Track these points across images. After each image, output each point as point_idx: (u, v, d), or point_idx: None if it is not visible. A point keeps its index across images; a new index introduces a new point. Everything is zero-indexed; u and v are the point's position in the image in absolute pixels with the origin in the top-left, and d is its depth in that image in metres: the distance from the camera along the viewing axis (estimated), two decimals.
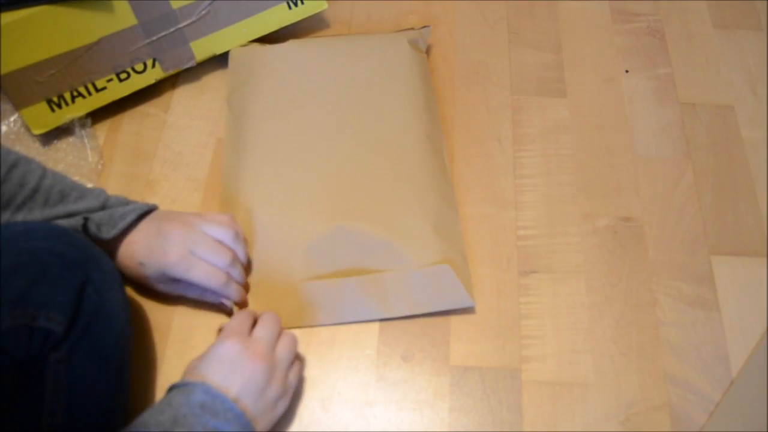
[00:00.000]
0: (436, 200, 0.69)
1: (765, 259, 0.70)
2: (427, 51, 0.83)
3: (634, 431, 0.60)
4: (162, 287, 0.63)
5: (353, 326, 0.64)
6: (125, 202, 0.61)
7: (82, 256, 0.52)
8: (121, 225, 0.59)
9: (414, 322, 0.65)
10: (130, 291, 0.66)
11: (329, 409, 0.61)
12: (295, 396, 0.61)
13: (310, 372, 0.63)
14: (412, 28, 0.82)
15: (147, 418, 0.48)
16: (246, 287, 0.65)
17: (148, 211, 0.61)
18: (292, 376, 0.58)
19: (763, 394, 0.63)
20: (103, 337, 0.52)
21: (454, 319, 0.65)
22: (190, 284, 0.61)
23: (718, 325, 0.66)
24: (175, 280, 0.61)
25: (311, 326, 0.64)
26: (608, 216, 0.72)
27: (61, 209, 0.57)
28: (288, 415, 0.60)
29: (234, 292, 0.62)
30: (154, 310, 0.65)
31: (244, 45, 0.80)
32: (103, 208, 0.59)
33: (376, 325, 0.65)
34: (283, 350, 0.57)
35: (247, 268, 0.66)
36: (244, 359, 0.53)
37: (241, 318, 0.58)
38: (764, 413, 0.62)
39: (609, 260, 0.69)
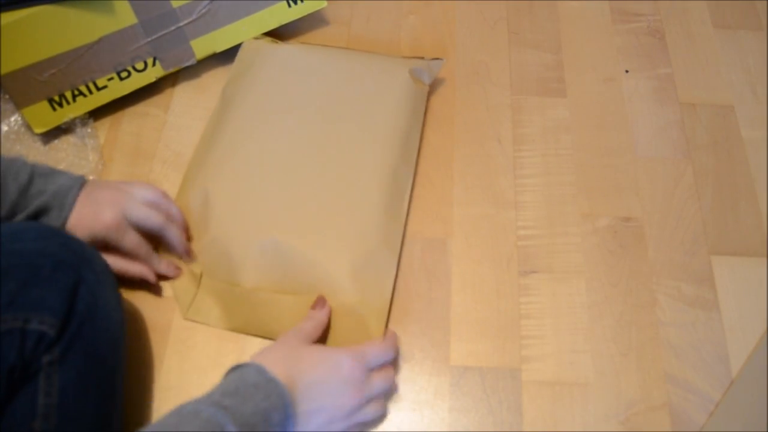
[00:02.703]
0: (374, 241, 0.65)
1: (765, 259, 0.70)
2: (433, 84, 0.81)
3: (634, 431, 0.60)
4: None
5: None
6: (50, 173, 0.58)
7: (74, 256, 0.52)
8: (70, 202, 0.57)
9: (414, 322, 0.65)
10: (130, 291, 0.66)
11: None
12: None
13: None
14: (422, 58, 0.80)
15: (201, 396, 0.48)
16: (188, 250, 0.65)
17: (83, 183, 0.60)
18: (370, 410, 0.56)
19: (763, 394, 0.63)
20: (97, 339, 0.52)
21: (454, 319, 0.65)
22: (115, 257, 0.60)
23: (718, 325, 0.66)
24: (102, 250, 0.59)
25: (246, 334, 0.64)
26: (608, 216, 0.72)
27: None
28: None
29: (174, 233, 0.63)
30: (153, 310, 0.65)
31: (257, 38, 0.80)
32: (29, 183, 0.57)
33: None
34: (379, 377, 0.56)
35: (186, 231, 0.67)
36: (347, 388, 0.53)
37: (374, 351, 0.57)
38: (764, 413, 0.61)
39: (609, 260, 0.69)
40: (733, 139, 0.78)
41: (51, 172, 0.59)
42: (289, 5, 0.81)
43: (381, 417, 0.59)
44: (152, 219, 0.62)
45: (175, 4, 0.73)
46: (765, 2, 0.90)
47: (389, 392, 0.60)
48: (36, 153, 0.74)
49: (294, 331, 0.57)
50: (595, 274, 0.68)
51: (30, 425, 0.47)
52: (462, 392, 0.62)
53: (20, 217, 0.56)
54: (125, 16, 0.71)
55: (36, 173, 0.57)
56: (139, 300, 0.65)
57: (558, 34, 0.86)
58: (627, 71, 0.83)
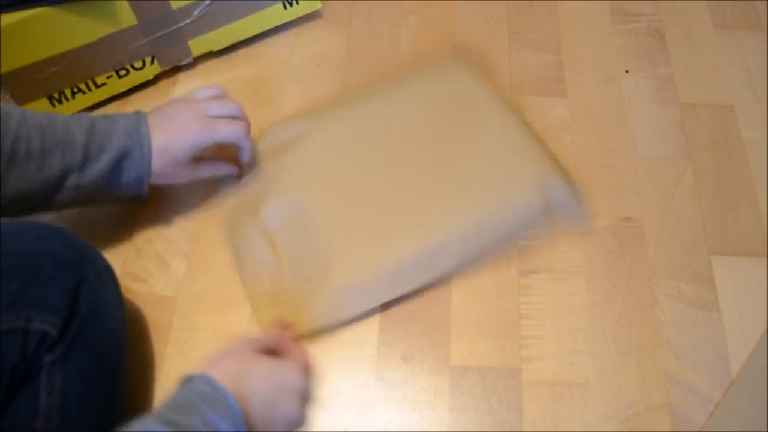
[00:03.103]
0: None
1: (765, 259, 0.70)
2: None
3: (634, 431, 0.60)
4: (181, 174, 0.63)
5: (353, 326, 0.64)
6: (110, 117, 0.60)
7: (77, 256, 0.52)
8: (145, 136, 0.59)
9: (414, 322, 0.65)
10: (130, 292, 0.66)
11: (329, 409, 0.61)
12: None
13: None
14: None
15: (150, 413, 0.47)
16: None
17: (143, 117, 0.61)
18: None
19: (763, 394, 0.63)
20: (99, 338, 0.52)
21: (454, 319, 0.65)
22: (203, 164, 0.64)
23: (718, 325, 0.66)
24: (194, 165, 0.63)
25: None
26: (608, 216, 0.72)
27: (58, 131, 0.56)
28: None
29: (249, 143, 0.65)
30: (154, 310, 0.65)
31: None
32: (93, 123, 0.57)
33: (376, 325, 0.65)
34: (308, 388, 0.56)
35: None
36: (292, 396, 0.53)
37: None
38: (764, 413, 0.62)
39: (609, 260, 0.69)
40: (733, 139, 0.78)
41: (111, 116, 0.60)
42: (285, 7, 0.82)
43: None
44: (229, 107, 0.64)
45: (174, 6, 0.73)
46: (765, 2, 0.90)
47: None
48: None
49: (247, 341, 0.55)
50: (595, 274, 0.68)
51: (32, 425, 0.47)
52: (462, 392, 0.62)
53: (100, 164, 0.57)
54: (125, 18, 0.71)
55: (96, 118, 0.59)
56: (139, 300, 0.65)
57: (558, 34, 0.86)
58: (627, 71, 0.83)
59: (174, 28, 0.75)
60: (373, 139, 0.72)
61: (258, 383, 0.51)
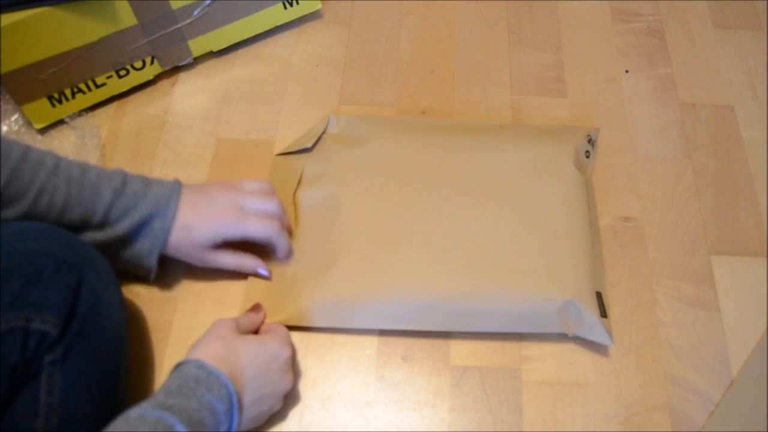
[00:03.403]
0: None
1: (765, 259, 0.70)
2: (434, 84, 0.80)
3: (634, 431, 0.60)
4: (201, 257, 0.61)
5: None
6: (146, 182, 0.59)
7: (77, 256, 0.52)
8: (171, 212, 0.58)
9: None
10: (130, 292, 0.66)
11: (329, 409, 0.61)
12: (294, 396, 0.61)
13: (310, 372, 0.63)
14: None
15: (145, 401, 0.48)
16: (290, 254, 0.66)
17: (181, 186, 0.60)
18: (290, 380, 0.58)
19: (763, 394, 0.63)
20: (99, 338, 0.52)
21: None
22: (229, 253, 0.62)
23: (718, 325, 0.66)
24: (216, 248, 0.61)
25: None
26: (608, 216, 0.72)
27: (87, 188, 0.56)
28: (288, 415, 0.60)
29: (286, 242, 0.63)
30: (154, 310, 0.65)
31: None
32: (124, 184, 0.57)
33: None
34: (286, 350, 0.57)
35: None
36: (273, 355, 0.54)
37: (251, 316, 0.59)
38: (764, 413, 0.62)
39: (609, 260, 0.69)
40: (733, 139, 0.78)
41: (146, 179, 0.59)
42: (285, 7, 0.82)
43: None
44: (268, 206, 0.62)
45: (174, 6, 0.73)
46: (765, 2, 0.90)
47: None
48: None
49: (229, 322, 0.56)
50: None
51: (32, 424, 0.47)
52: (462, 392, 0.62)
53: (118, 228, 0.57)
54: (125, 18, 0.71)
55: (130, 178, 0.58)
56: (140, 300, 0.65)
57: (558, 34, 0.86)
58: (627, 71, 0.83)
59: (174, 28, 0.75)
60: (438, 173, 0.70)
61: (246, 360, 0.53)
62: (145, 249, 0.59)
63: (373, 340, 0.64)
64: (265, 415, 0.56)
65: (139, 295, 0.66)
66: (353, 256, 0.65)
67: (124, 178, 0.58)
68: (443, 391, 0.62)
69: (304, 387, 0.62)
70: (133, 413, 0.46)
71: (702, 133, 0.78)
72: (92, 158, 0.74)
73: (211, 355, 0.51)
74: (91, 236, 0.57)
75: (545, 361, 0.63)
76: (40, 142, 0.75)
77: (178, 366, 0.51)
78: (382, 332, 0.64)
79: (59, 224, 0.54)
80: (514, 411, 0.61)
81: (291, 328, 0.62)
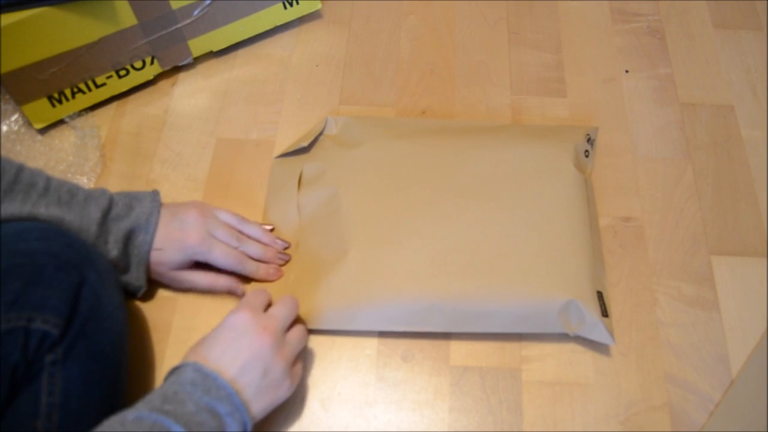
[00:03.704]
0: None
1: (765, 259, 0.70)
2: (434, 84, 0.81)
3: (634, 431, 0.60)
4: (173, 277, 0.62)
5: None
6: (129, 201, 0.61)
7: (78, 256, 0.52)
8: (152, 227, 0.60)
9: None
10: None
11: (329, 409, 0.61)
12: (294, 396, 0.61)
13: (310, 372, 0.63)
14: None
15: (140, 402, 0.48)
16: (273, 267, 0.66)
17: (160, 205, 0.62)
18: (299, 364, 0.57)
19: (763, 394, 0.63)
20: (100, 338, 0.52)
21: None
22: (202, 274, 0.63)
23: (718, 325, 0.66)
24: (188, 269, 0.62)
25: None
26: (608, 216, 0.72)
27: (76, 210, 0.57)
28: (288, 415, 0.60)
29: (251, 266, 0.64)
30: (154, 310, 0.65)
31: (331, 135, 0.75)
32: (110, 206, 0.59)
33: None
34: (294, 334, 0.57)
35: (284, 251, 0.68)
36: (252, 332, 0.53)
37: (257, 293, 0.58)
38: (764, 413, 0.62)
39: (609, 260, 0.69)
40: (733, 139, 0.78)
41: (130, 202, 0.61)
42: (285, 7, 0.82)
43: (300, 375, 0.59)
44: (229, 258, 0.63)
45: (174, 6, 0.73)
46: (765, 2, 0.90)
47: (304, 347, 0.60)
48: (36, 153, 0.74)
49: (242, 315, 0.55)
50: None
51: (33, 424, 0.47)
52: (462, 392, 0.62)
53: (110, 242, 0.58)
54: (125, 18, 0.71)
55: (115, 198, 0.60)
56: (139, 300, 0.65)
57: (558, 34, 0.86)
58: (627, 71, 0.83)
59: (174, 28, 0.75)
60: (438, 175, 0.69)
61: (240, 360, 0.52)
62: (133, 263, 0.60)
63: (373, 341, 0.64)
64: (272, 405, 0.54)
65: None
66: (354, 258, 0.65)
67: (111, 200, 0.59)
68: (443, 391, 0.62)
69: (304, 387, 0.62)
70: (130, 415, 0.46)
71: (702, 133, 0.78)
72: (92, 158, 0.74)
73: (207, 356, 0.51)
74: None
75: (545, 361, 0.63)
76: (40, 142, 0.75)
77: (175, 370, 0.51)
78: (382, 332, 0.64)
79: None
80: (514, 411, 0.61)
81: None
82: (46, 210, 0.55)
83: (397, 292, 0.63)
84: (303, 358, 0.61)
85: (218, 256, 0.62)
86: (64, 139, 0.75)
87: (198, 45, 0.79)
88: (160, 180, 0.73)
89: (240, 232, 0.65)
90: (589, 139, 0.74)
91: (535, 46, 0.85)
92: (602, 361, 0.64)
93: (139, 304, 0.65)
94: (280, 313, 0.57)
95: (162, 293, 0.66)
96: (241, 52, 0.84)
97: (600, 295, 0.64)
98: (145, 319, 0.65)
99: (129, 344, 0.58)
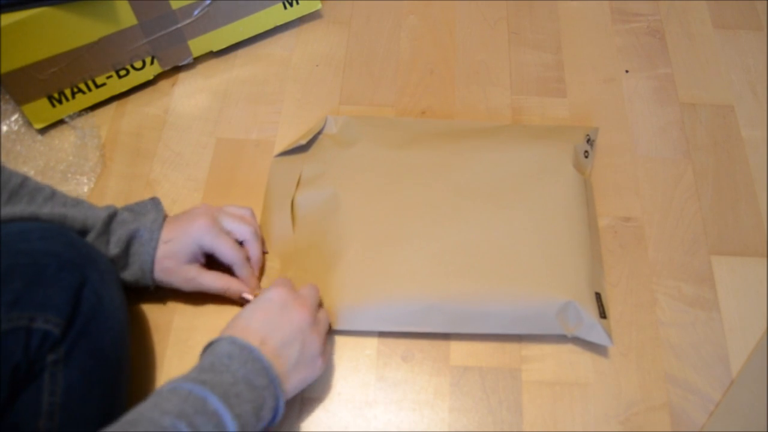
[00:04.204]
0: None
1: (765, 259, 0.70)
2: (435, 85, 0.81)
3: (634, 431, 0.60)
4: (184, 274, 0.61)
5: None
6: (134, 209, 0.61)
7: (79, 256, 0.52)
8: (158, 228, 0.60)
9: None
10: (129, 292, 0.66)
11: (329, 409, 0.61)
12: (294, 396, 0.61)
13: None
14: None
15: (178, 376, 0.48)
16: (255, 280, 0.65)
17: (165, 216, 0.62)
18: (329, 348, 0.58)
19: (763, 394, 0.63)
20: (101, 338, 0.52)
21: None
22: (215, 275, 0.62)
23: (718, 325, 0.66)
24: (199, 267, 0.61)
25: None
26: (608, 216, 0.72)
27: (80, 210, 0.58)
28: (288, 414, 0.60)
29: (247, 271, 0.63)
30: (154, 310, 0.65)
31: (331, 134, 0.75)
32: (115, 213, 0.60)
33: None
34: (323, 314, 0.59)
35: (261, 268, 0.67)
36: (291, 306, 0.54)
37: (285, 279, 0.59)
38: (764, 413, 0.62)
39: (609, 260, 0.69)
40: (733, 139, 0.78)
41: (134, 209, 0.61)
42: (285, 7, 0.82)
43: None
44: (242, 229, 0.63)
45: (174, 6, 0.73)
46: (765, 2, 0.90)
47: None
48: (36, 153, 0.74)
49: (279, 292, 0.56)
50: None
51: (34, 424, 0.47)
52: (462, 392, 0.62)
53: (112, 241, 0.58)
54: (125, 18, 0.71)
55: (118, 209, 0.61)
56: (140, 300, 0.65)
57: (558, 34, 0.86)
58: (627, 71, 0.83)
59: (174, 28, 0.75)
60: (437, 175, 0.69)
61: (280, 333, 0.53)
62: (135, 262, 0.60)
63: (373, 341, 0.64)
64: (305, 381, 0.55)
65: (140, 295, 0.66)
66: (353, 258, 0.65)
67: (113, 208, 0.60)
68: (443, 391, 0.62)
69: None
70: (167, 386, 0.47)
71: (702, 133, 0.78)
72: (92, 158, 0.74)
73: (244, 330, 0.52)
74: None
75: (545, 361, 0.63)
76: (40, 142, 0.75)
77: (210, 345, 0.52)
78: (382, 332, 0.64)
79: None
80: (514, 411, 0.61)
81: None
82: (50, 210, 0.56)
83: (396, 293, 0.63)
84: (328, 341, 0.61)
85: (225, 246, 0.61)
86: (64, 139, 0.75)
87: (198, 45, 0.79)
88: (160, 180, 0.73)
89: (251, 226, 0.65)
90: (588, 140, 0.74)
91: (535, 46, 0.85)
92: (602, 361, 0.64)
93: (139, 304, 0.65)
94: (311, 292, 0.58)
95: (162, 293, 0.66)
96: (241, 52, 0.84)
97: (598, 297, 0.64)
98: (145, 319, 0.65)
99: (130, 344, 0.58)
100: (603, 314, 0.63)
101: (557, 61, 0.84)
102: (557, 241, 0.65)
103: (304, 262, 0.66)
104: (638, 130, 0.78)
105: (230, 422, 0.46)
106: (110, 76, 0.76)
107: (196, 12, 0.75)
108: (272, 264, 0.67)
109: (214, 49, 0.81)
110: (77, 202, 0.59)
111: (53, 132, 0.76)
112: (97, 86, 0.76)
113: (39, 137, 0.75)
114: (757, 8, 0.89)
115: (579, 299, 0.62)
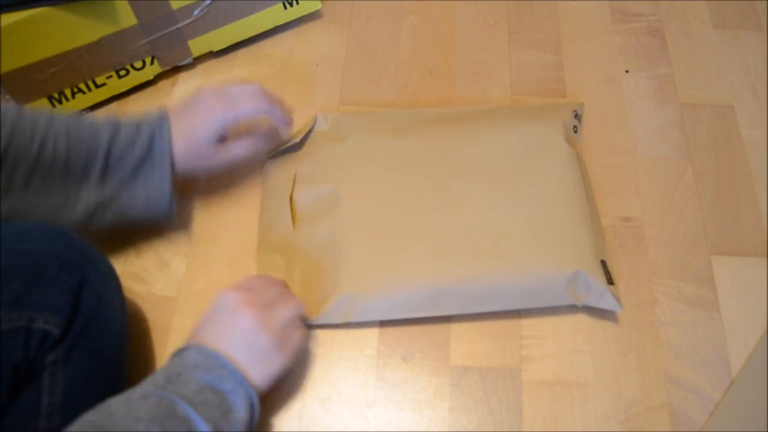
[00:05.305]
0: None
1: (765, 259, 0.70)
2: (435, 85, 0.81)
3: (634, 431, 0.60)
4: (214, 154, 0.63)
5: (353, 326, 0.64)
6: (137, 117, 0.61)
7: (79, 257, 0.52)
8: (166, 131, 0.60)
9: (414, 322, 0.65)
10: (129, 291, 0.66)
11: (329, 409, 0.61)
12: (294, 396, 0.61)
13: (310, 372, 0.63)
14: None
15: (144, 382, 0.49)
16: (290, 121, 0.68)
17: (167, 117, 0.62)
18: (295, 335, 0.57)
19: (763, 394, 0.63)
20: (101, 338, 0.52)
21: (454, 319, 0.65)
22: (241, 141, 0.65)
23: (718, 325, 0.66)
24: (224, 144, 0.63)
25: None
26: (608, 216, 0.72)
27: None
28: (288, 415, 0.60)
29: (278, 111, 0.66)
30: (154, 311, 0.65)
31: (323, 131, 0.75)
32: (118, 126, 0.59)
33: (376, 325, 0.65)
34: (282, 305, 0.57)
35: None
36: (235, 309, 0.54)
37: (251, 278, 0.59)
38: (764, 413, 0.62)
39: (609, 260, 0.69)
40: (733, 139, 0.78)
41: (137, 120, 0.60)
42: (285, 7, 0.82)
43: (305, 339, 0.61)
44: (258, 99, 0.64)
45: (174, 6, 0.73)
46: (765, 2, 0.90)
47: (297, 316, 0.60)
48: None
49: (231, 296, 0.56)
50: None
51: (34, 424, 0.47)
52: (462, 392, 0.62)
53: (124, 167, 0.58)
54: (125, 18, 0.71)
55: (121, 120, 0.60)
56: (140, 300, 0.66)
57: (558, 34, 0.86)
58: (627, 71, 0.83)
59: (174, 28, 0.75)
60: (432, 161, 0.70)
61: (231, 337, 0.53)
62: (155, 182, 0.60)
63: (373, 340, 0.64)
64: (274, 371, 0.55)
65: (139, 295, 0.66)
66: (359, 250, 0.65)
67: (117, 121, 0.59)
68: (443, 391, 0.62)
69: (304, 387, 0.62)
70: (135, 393, 0.47)
71: (702, 133, 0.78)
72: None
73: (208, 333, 0.53)
74: (102, 194, 0.58)
75: (545, 361, 0.63)
76: None
77: (179, 351, 0.52)
78: (382, 332, 0.65)
79: (66, 174, 0.56)
80: (514, 411, 0.61)
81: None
82: (55, 136, 0.55)
83: (405, 280, 0.63)
84: (306, 329, 0.61)
85: (245, 107, 0.63)
86: None
87: (198, 45, 0.79)
88: None
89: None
90: (576, 115, 0.76)
91: (535, 46, 0.85)
92: (602, 361, 0.64)
93: (139, 304, 0.65)
94: (264, 288, 0.58)
95: (162, 293, 0.66)
96: (241, 52, 0.84)
97: (604, 264, 0.65)
98: (145, 320, 0.65)
99: (129, 344, 0.58)
100: (610, 280, 0.64)
101: (557, 61, 0.84)
102: (559, 214, 0.66)
103: (309, 259, 0.66)
104: (638, 130, 0.78)
105: (201, 423, 0.47)
106: (110, 76, 0.76)
107: (196, 12, 0.75)
108: (276, 262, 0.67)
109: (214, 49, 0.81)
110: (78, 122, 0.57)
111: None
112: (97, 86, 0.76)
113: None
114: (757, 8, 0.89)
115: (586, 268, 0.63)
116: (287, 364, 0.55)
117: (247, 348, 0.53)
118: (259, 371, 0.53)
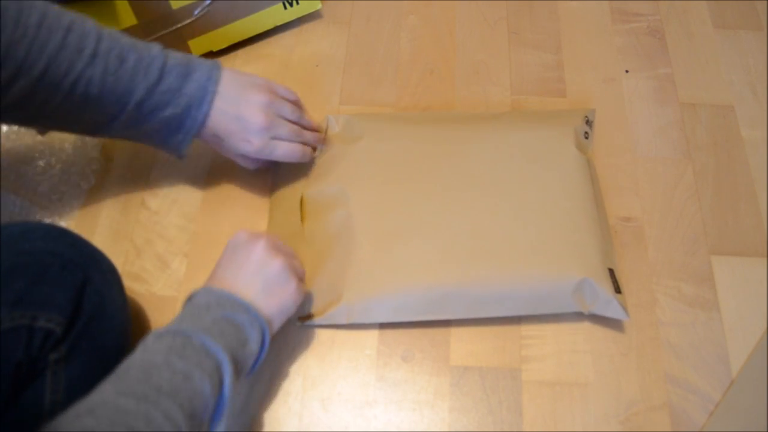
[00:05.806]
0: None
1: (765, 259, 0.70)
2: (435, 85, 0.81)
3: (634, 431, 0.60)
4: (236, 159, 0.67)
5: (353, 326, 0.64)
6: (184, 71, 0.60)
7: (82, 256, 0.53)
8: (204, 112, 0.61)
9: (414, 323, 0.65)
10: (130, 291, 0.66)
11: (329, 409, 0.61)
12: (294, 396, 0.61)
13: (310, 372, 0.63)
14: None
15: (157, 329, 0.50)
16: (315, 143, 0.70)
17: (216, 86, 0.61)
18: (302, 268, 0.60)
19: (763, 394, 0.63)
20: (103, 337, 0.52)
21: (455, 320, 0.65)
22: (283, 143, 0.66)
23: (718, 325, 0.66)
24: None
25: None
26: (608, 216, 0.72)
27: (121, 86, 0.57)
28: (288, 414, 0.60)
29: (309, 155, 0.68)
30: (154, 310, 0.65)
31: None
32: (160, 78, 0.59)
33: (376, 325, 0.65)
34: (286, 247, 0.59)
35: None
36: (244, 243, 0.56)
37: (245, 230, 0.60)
38: (764, 413, 0.62)
39: (617, 268, 0.69)
40: (733, 139, 0.78)
41: (185, 70, 0.60)
42: (285, 7, 0.82)
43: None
44: (296, 153, 0.66)
45: (174, 6, 0.73)
46: (765, 2, 0.90)
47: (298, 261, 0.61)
48: (36, 153, 0.74)
49: (243, 237, 0.57)
50: None
51: (36, 422, 0.47)
52: (462, 392, 0.62)
53: (150, 123, 0.59)
54: (126, 18, 0.71)
55: (167, 69, 0.59)
56: (140, 300, 0.66)
57: (558, 34, 0.86)
58: (627, 71, 0.83)
59: (174, 28, 0.75)
60: (442, 165, 0.70)
61: (243, 270, 0.54)
62: (176, 141, 0.62)
63: (373, 340, 0.64)
64: (289, 303, 0.56)
65: (140, 295, 0.66)
66: (366, 252, 0.65)
67: (162, 70, 0.59)
68: (443, 391, 0.62)
69: (304, 387, 0.62)
70: (150, 337, 0.48)
71: (702, 133, 0.78)
72: (92, 158, 0.74)
73: (221, 281, 0.54)
74: (119, 130, 0.60)
75: (545, 361, 0.63)
76: (40, 142, 0.75)
77: (189, 298, 0.53)
78: (382, 332, 0.65)
79: (92, 115, 0.58)
80: (514, 411, 0.61)
81: (305, 323, 0.62)
82: (89, 80, 0.55)
83: (412, 283, 0.63)
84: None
85: (281, 155, 0.65)
86: (64, 139, 0.75)
87: (198, 45, 0.79)
88: (160, 180, 0.73)
89: (298, 124, 0.67)
90: (587, 121, 0.75)
91: (535, 46, 0.85)
92: (602, 361, 0.64)
93: (140, 304, 0.65)
94: (267, 235, 0.59)
95: (162, 293, 0.66)
96: (241, 52, 0.84)
97: (611, 272, 0.64)
98: (146, 319, 0.65)
99: (131, 344, 0.58)
100: (618, 289, 0.63)
101: (557, 61, 0.84)
102: (567, 220, 0.66)
103: (316, 258, 0.66)
104: (638, 130, 0.78)
105: (220, 352, 0.48)
106: None
107: (196, 12, 0.75)
108: None
109: (214, 49, 0.81)
110: (119, 66, 0.57)
111: (53, 132, 0.76)
112: None
113: (39, 137, 0.75)
114: (757, 8, 0.89)
115: (593, 276, 0.62)
116: (298, 296, 0.56)
117: (260, 278, 0.54)
118: (274, 301, 0.54)
